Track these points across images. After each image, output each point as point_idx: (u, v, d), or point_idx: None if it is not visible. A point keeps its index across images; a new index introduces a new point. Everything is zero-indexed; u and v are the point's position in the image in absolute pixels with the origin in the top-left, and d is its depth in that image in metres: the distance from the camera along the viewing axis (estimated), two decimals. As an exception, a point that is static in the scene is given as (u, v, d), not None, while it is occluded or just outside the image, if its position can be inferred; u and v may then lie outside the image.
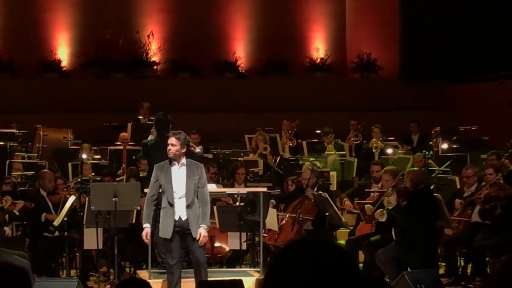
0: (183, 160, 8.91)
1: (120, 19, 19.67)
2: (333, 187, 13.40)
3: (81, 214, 10.68)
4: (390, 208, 9.98)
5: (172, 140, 8.86)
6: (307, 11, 20.77)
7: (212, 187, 10.26)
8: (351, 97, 19.27)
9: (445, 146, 15.11)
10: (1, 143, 14.44)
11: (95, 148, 14.92)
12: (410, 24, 19.63)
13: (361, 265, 10.26)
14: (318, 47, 20.62)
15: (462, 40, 18.83)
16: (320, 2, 20.88)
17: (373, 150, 15.35)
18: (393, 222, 10.05)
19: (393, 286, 8.24)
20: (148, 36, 19.77)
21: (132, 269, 11.22)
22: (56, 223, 10.57)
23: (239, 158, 14.41)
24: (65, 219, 10.46)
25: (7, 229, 10.68)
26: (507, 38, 17.98)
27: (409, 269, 9.20)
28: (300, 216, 10.78)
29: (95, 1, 19.88)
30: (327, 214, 10.67)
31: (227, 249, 11.11)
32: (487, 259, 10.53)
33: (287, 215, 11.08)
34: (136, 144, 13.74)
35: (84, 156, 13.72)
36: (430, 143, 15.45)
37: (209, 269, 9.33)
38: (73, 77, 19.58)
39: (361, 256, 10.54)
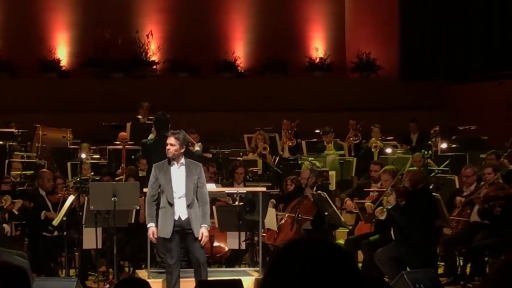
0: (182, 159, 8.91)
1: (119, 19, 19.66)
2: (332, 186, 13.41)
3: (80, 213, 10.68)
4: (389, 207, 9.98)
5: (171, 140, 8.86)
6: (307, 11, 20.77)
7: (211, 187, 10.26)
8: (351, 97, 19.27)
9: (444, 145, 15.12)
10: (0, 142, 14.43)
11: (94, 147, 14.92)
12: (410, 24, 19.63)
13: (360, 264, 10.26)
14: (318, 47, 20.62)
15: (461, 40, 18.84)
16: (319, 2, 20.88)
17: (372, 150, 15.35)
18: (392, 222, 10.05)
19: (392, 286, 8.23)
20: (148, 35, 19.77)
21: (131, 268, 11.21)
22: (55, 222, 10.56)
23: (238, 158, 14.41)
24: (64, 218, 10.46)
25: (6, 227, 10.68)
26: (506, 38, 17.99)
27: (408, 269, 9.21)
28: (299, 215, 10.78)
29: (95, 1, 19.87)
30: (326, 213, 10.68)
31: (226, 248, 11.11)
32: (486, 258, 10.53)
33: (286, 215, 11.08)
34: (135, 144, 13.74)
35: (83, 155, 13.72)
36: (429, 142, 15.46)
37: (208, 269, 9.32)
38: (72, 77, 19.59)
39: (360, 255, 10.53)
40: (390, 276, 9.51)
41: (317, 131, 16.20)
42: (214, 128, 16.95)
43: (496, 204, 10.34)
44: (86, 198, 10.55)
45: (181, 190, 8.83)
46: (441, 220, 10.73)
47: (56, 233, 10.80)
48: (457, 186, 12.23)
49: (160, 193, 8.91)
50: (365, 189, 11.32)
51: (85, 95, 18.53)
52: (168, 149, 8.83)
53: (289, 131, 16.40)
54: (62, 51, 19.72)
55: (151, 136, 11.00)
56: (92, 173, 12.65)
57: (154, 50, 19.89)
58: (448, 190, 11.93)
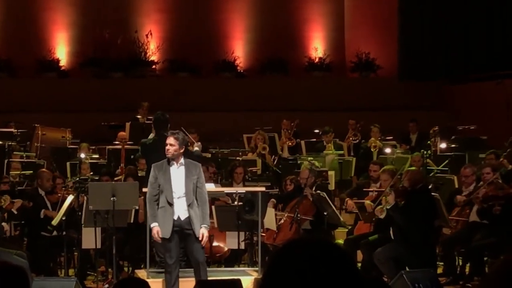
0: (182, 159, 8.91)
1: (119, 19, 19.66)
2: (332, 186, 13.41)
3: (80, 213, 10.68)
4: (388, 207, 9.98)
5: (170, 140, 8.86)
6: (306, 10, 20.77)
7: (210, 187, 10.26)
8: (350, 97, 19.27)
9: (443, 145, 15.12)
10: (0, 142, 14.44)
11: (93, 147, 14.91)
12: (409, 23, 19.63)
13: (359, 264, 10.26)
14: (317, 47, 20.62)
15: (461, 40, 18.83)
16: (318, 1, 20.89)
17: (372, 150, 15.35)
18: (391, 222, 10.05)
19: (391, 286, 8.23)
20: (147, 35, 19.77)
21: (131, 268, 11.21)
22: (54, 222, 10.56)
23: (237, 158, 14.40)
24: (63, 218, 10.46)
25: (5, 225, 10.67)
26: (506, 37, 17.98)
27: (407, 269, 9.21)
28: (299, 215, 10.78)
29: (94, 1, 19.88)
30: (325, 213, 10.67)
31: (226, 248, 11.11)
32: (485, 258, 10.53)
33: (286, 215, 11.08)
34: (134, 144, 13.74)
35: (82, 155, 13.71)
36: (429, 142, 15.47)
37: (207, 269, 9.32)
38: (71, 77, 19.59)
39: (360, 255, 10.53)
40: (389, 276, 9.51)
41: (317, 131, 16.21)
42: (213, 128, 16.95)
43: (495, 204, 10.34)
44: (85, 198, 10.55)
45: (180, 190, 8.83)
46: (440, 220, 10.72)
47: (55, 233, 10.80)
48: (456, 186, 12.23)
49: (160, 193, 8.90)
50: (364, 189, 11.32)
51: (85, 95, 18.53)
52: (168, 149, 8.83)
53: (289, 131, 16.40)
54: (62, 51, 19.72)
55: (151, 136, 11.00)
56: (91, 173, 12.64)
57: (153, 50, 19.89)
58: (447, 190, 11.93)
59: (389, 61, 19.90)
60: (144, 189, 9.48)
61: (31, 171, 12.90)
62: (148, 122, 14.13)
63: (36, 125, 15.29)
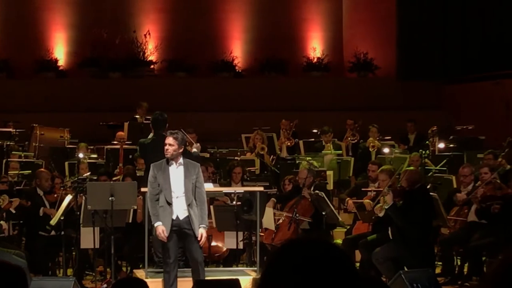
0: (181, 159, 8.90)
1: (117, 19, 19.66)
2: (330, 186, 13.40)
3: (78, 213, 10.67)
4: (386, 207, 9.98)
5: (169, 140, 8.86)
6: (304, 10, 20.78)
7: (209, 187, 10.26)
8: (348, 97, 19.28)
9: (441, 145, 15.12)
10: (-2, 142, 14.45)
11: (91, 147, 14.91)
12: (407, 23, 19.64)
13: (357, 264, 10.26)
14: (315, 47, 20.63)
15: (459, 40, 18.85)
16: (317, 1, 20.90)
17: (370, 150, 15.35)
18: (389, 222, 10.05)
19: (390, 286, 8.23)
20: (145, 35, 19.77)
21: (129, 268, 11.20)
22: (53, 222, 10.56)
23: (236, 158, 14.40)
24: (62, 218, 10.46)
25: (4, 224, 10.67)
26: (503, 37, 18.00)
27: (405, 269, 9.21)
28: (297, 215, 10.78)
29: (92, 1, 19.88)
30: (324, 213, 10.68)
31: (224, 248, 11.11)
32: (483, 258, 10.54)
33: (284, 214, 11.08)
34: (132, 144, 13.74)
35: (80, 155, 13.71)
36: (427, 142, 15.46)
37: (206, 269, 9.32)
38: (69, 77, 19.58)
39: (358, 255, 10.54)
40: (387, 275, 9.52)
41: (315, 130, 16.21)
42: (212, 128, 16.95)
43: (494, 203, 10.34)
44: (83, 197, 10.54)
45: (179, 189, 8.83)
46: (439, 220, 10.73)
47: (53, 232, 10.80)
48: (455, 185, 12.23)
49: (159, 193, 8.90)
50: (362, 189, 11.32)
51: (83, 95, 18.53)
52: (167, 149, 8.83)
53: (288, 131, 16.40)
54: (60, 51, 19.71)
55: (150, 136, 11.00)
56: (90, 173, 12.64)
57: (151, 49, 19.89)
58: (445, 190, 11.93)
59: (387, 61, 19.91)
60: (143, 189, 9.48)
61: (30, 171, 12.90)
62: (147, 122, 14.12)
63: (34, 125, 15.28)
